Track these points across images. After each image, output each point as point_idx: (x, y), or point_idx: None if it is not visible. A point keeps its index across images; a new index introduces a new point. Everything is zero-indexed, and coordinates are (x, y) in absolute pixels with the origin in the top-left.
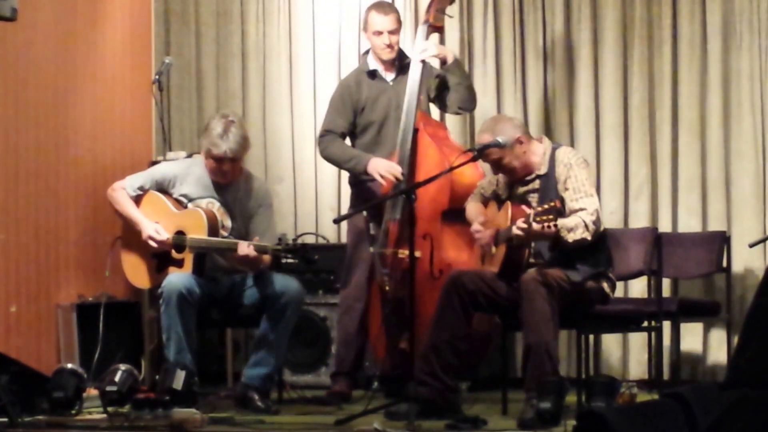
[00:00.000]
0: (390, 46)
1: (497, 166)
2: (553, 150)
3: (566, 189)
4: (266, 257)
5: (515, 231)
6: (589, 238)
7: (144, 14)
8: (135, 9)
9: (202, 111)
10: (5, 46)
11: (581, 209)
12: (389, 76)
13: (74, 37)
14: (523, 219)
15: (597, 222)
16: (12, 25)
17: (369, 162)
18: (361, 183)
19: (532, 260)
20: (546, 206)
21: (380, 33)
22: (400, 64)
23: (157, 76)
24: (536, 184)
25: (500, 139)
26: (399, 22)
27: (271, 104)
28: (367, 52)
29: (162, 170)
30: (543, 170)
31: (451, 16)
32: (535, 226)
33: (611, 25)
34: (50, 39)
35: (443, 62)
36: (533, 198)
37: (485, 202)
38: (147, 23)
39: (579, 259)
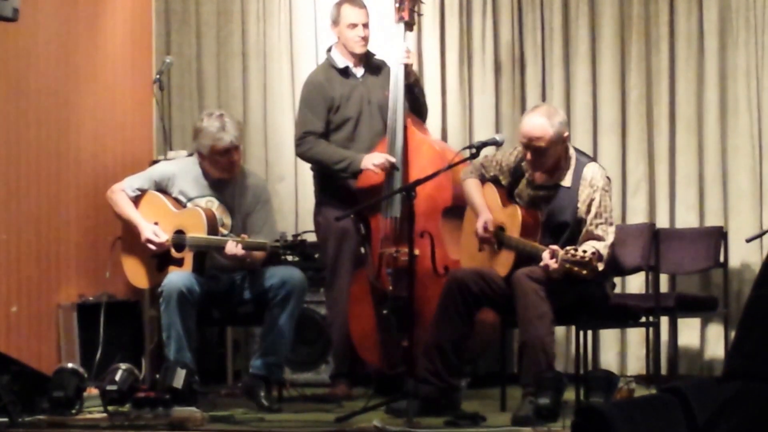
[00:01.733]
0: (364, 38)
1: (534, 156)
2: (579, 163)
3: (588, 211)
4: (259, 254)
5: (542, 264)
6: (600, 269)
7: (145, 14)
8: (136, 9)
9: (203, 110)
10: (6, 47)
11: (599, 237)
12: (358, 72)
13: (75, 37)
14: (550, 254)
15: (610, 254)
16: (13, 26)
17: (362, 160)
18: (332, 181)
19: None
20: (580, 258)
21: (355, 25)
22: (367, 60)
23: (157, 76)
24: (552, 193)
25: (498, 138)
26: (369, 15)
27: (272, 103)
28: (329, 49)
29: (160, 170)
30: (565, 183)
31: (421, 14)
32: (562, 269)
33: (609, 22)
34: (51, 39)
35: (407, 78)
36: (545, 206)
37: (483, 181)
38: (148, 23)
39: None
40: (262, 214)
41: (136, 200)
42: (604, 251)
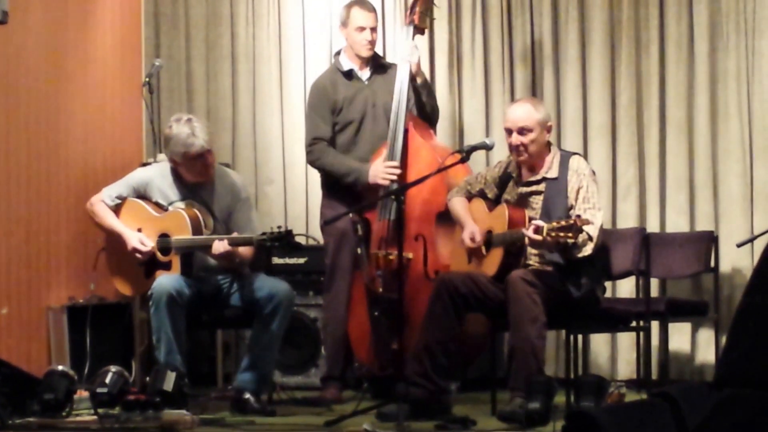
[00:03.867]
0: (371, 42)
1: (521, 137)
2: (563, 157)
3: (577, 197)
4: (246, 251)
5: (528, 241)
6: (591, 252)
7: (134, 17)
8: (125, 12)
9: (192, 113)
10: None
11: (588, 222)
12: (364, 75)
13: (65, 40)
14: (533, 228)
15: (600, 237)
16: (3, 29)
17: (369, 174)
18: (337, 183)
19: (536, 264)
20: (565, 223)
21: (363, 29)
22: (374, 63)
23: (147, 79)
24: (542, 186)
25: (488, 141)
26: (378, 19)
27: (261, 106)
28: (338, 53)
29: (138, 176)
30: (552, 174)
31: (434, 18)
32: (549, 239)
33: (599, 26)
34: (41, 42)
35: (413, 78)
36: (536, 201)
37: (469, 198)
38: (137, 26)
39: (584, 272)
40: (243, 213)
41: (117, 209)
42: (595, 233)
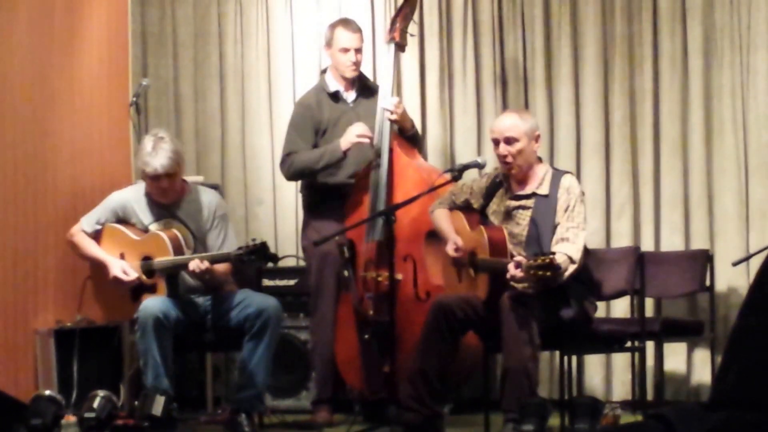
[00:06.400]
0: (356, 63)
1: (507, 147)
2: (556, 174)
3: (563, 215)
4: (222, 268)
5: (509, 276)
6: (572, 273)
7: (121, 36)
8: (112, 31)
9: (180, 133)
10: None
11: (568, 240)
12: (350, 97)
13: (51, 60)
14: (515, 263)
15: (583, 259)
16: None
17: (341, 144)
18: (320, 201)
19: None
20: (542, 261)
21: (347, 50)
22: (360, 84)
23: (134, 98)
24: (530, 202)
25: (480, 160)
26: (363, 40)
27: (250, 125)
28: (324, 71)
29: (116, 199)
30: (543, 191)
31: (412, 35)
32: (530, 275)
33: (592, 42)
34: (26, 62)
35: (401, 130)
36: (523, 216)
37: (453, 208)
38: (124, 45)
39: (571, 293)
40: (220, 230)
41: (97, 236)
42: (576, 255)
